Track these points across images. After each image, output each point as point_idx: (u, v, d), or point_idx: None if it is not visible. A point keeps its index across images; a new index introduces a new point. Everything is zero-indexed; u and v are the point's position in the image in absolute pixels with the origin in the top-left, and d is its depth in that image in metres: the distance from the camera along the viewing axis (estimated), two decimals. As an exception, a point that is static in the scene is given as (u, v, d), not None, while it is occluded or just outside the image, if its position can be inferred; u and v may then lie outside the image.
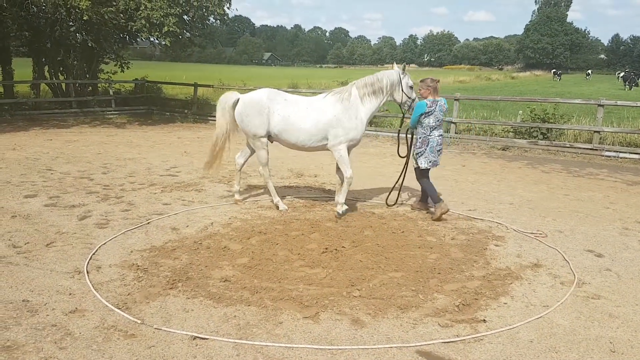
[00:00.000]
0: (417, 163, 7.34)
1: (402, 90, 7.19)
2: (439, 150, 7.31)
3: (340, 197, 7.16)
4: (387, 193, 7.96)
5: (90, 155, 11.53)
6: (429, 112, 7.12)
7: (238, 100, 7.35)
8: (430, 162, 7.27)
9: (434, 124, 7.17)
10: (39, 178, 9.06)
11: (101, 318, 4.19)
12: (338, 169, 7.33)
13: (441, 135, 7.32)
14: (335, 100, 7.14)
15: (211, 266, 5.31)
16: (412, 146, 7.52)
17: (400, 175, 7.82)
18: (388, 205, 7.78)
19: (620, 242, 6.50)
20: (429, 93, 7.19)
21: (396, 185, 7.94)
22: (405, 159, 7.71)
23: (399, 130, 8.06)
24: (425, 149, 7.24)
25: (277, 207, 7.46)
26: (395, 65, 7.37)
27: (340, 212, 7.10)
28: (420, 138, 7.26)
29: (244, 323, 4.17)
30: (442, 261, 5.59)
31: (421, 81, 7.34)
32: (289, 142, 7.25)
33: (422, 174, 7.44)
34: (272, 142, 7.45)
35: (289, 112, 7.10)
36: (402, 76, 7.19)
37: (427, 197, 7.56)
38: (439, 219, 7.12)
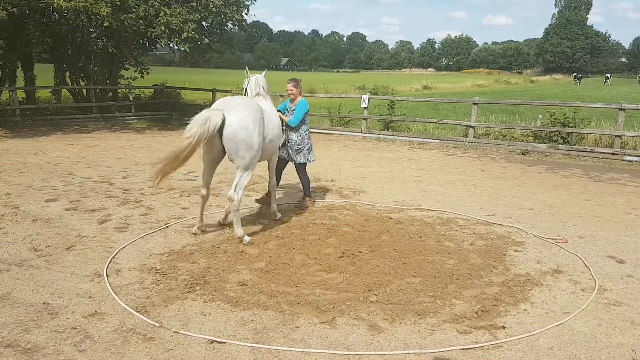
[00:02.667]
0: (308, 159, 7.67)
1: None
2: None
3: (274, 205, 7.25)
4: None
5: (110, 160, 11.67)
6: (307, 110, 7.58)
7: (224, 120, 5.88)
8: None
9: (308, 120, 7.73)
10: (59, 182, 9.19)
11: (120, 321, 4.23)
12: (272, 175, 7.29)
13: None
14: (271, 102, 7.07)
15: (228, 270, 5.33)
16: (296, 144, 7.58)
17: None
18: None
19: (643, 248, 6.38)
20: (299, 92, 7.64)
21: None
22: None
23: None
24: (311, 144, 7.73)
25: (242, 240, 6.17)
26: (247, 70, 7.41)
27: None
28: (306, 135, 7.66)
29: (261, 327, 4.18)
30: (461, 267, 5.55)
31: (294, 80, 7.68)
32: (267, 151, 6.68)
33: (305, 168, 7.81)
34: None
35: (276, 116, 6.78)
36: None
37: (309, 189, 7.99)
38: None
